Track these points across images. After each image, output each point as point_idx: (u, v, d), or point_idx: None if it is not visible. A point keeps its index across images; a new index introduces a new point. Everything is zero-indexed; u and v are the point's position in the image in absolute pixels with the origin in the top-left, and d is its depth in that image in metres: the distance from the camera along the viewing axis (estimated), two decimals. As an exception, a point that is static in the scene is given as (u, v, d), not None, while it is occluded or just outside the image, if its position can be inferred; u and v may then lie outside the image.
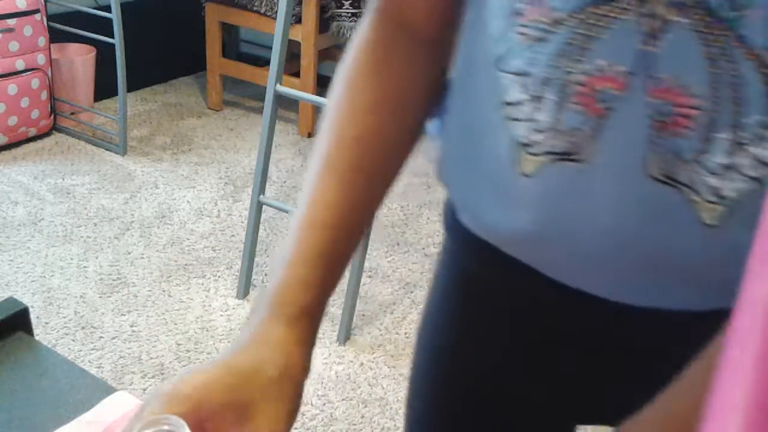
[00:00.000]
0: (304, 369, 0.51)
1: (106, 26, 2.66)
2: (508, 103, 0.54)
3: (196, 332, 1.95)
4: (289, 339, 0.50)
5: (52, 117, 2.88)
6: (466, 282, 0.71)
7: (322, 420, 1.71)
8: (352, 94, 0.62)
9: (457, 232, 0.68)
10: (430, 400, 0.76)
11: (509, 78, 0.54)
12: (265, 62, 2.98)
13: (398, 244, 2.42)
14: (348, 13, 2.95)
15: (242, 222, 2.45)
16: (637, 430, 0.52)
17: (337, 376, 1.84)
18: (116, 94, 2.81)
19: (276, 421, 0.48)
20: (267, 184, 2.14)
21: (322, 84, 3.43)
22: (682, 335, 0.57)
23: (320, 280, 0.54)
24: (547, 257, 0.59)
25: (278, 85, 1.86)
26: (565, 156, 0.52)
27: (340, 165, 0.59)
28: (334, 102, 0.62)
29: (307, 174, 0.59)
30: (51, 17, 2.85)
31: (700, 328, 0.50)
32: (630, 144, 0.50)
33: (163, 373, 1.80)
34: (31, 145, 2.83)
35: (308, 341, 0.52)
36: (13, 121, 2.72)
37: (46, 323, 1.93)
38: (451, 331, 0.73)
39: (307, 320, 0.52)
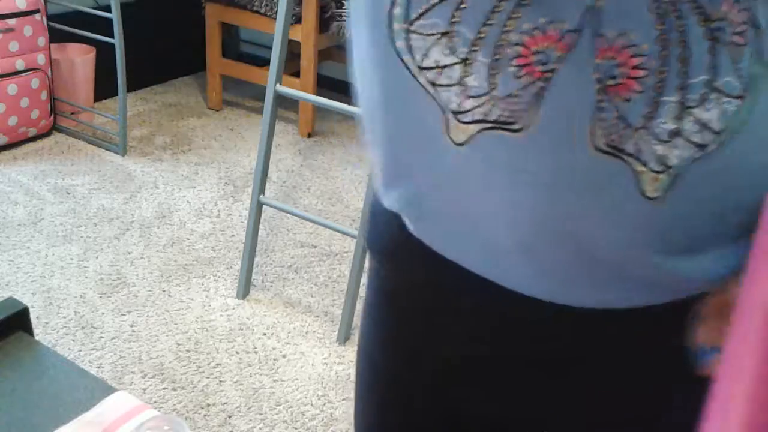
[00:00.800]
0: None
1: (106, 26, 2.66)
2: (427, 68, 0.49)
3: (196, 332, 1.95)
4: None
5: (52, 117, 2.88)
6: (394, 302, 0.66)
7: (323, 420, 1.71)
8: None
9: (381, 245, 0.65)
10: (378, 422, 0.73)
11: (427, 40, 0.48)
12: (265, 62, 2.98)
13: (398, 244, 2.42)
14: (348, 12, 2.94)
15: (242, 222, 2.45)
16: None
17: (338, 376, 1.84)
18: (116, 94, 2.81)
19: None
20: (267, 184, 2.15)
21: (323, 84, 3.43)
22: (632, 336, 0.55)
23: None
24: (478, 248, 0.55)
25: (278, 85, 1.86)
26: (499, 124, 0.48)
27: None
28: None
29: None
30: (51, 17, 2.85)
31: (646, 326, 0.48)
32: (574, 111, 0.46)
33: (163, 373, 1.80)
34: (31, 145, 2.83)
35: None
36: (13, 121, 2.72)
37: (46, 323, 1.93)
38: (388, 361, 0.69)
39: None
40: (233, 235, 2.38)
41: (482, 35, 0.46)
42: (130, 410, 0.66)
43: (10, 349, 0.72)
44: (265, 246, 2.33)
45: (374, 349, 0.71)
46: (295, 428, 1.69)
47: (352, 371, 1.86)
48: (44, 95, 2.81)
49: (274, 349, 1.91)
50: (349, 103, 1.92)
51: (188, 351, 1.88)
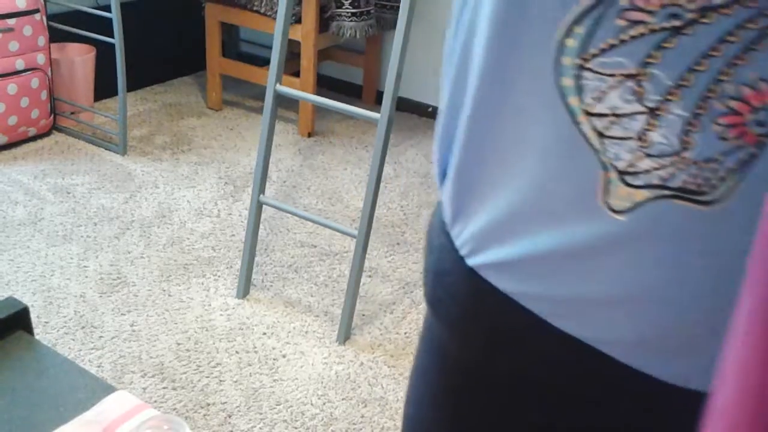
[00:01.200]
0: None
1: (106, 26, 2.66)
2: (597, 114, 0.40)
3: (196, 332, 1.95)
4: None
5: (52, 117, 2.88)
6: (462, 372, 0.56)
7: (322, 419, 1.71)
8: None
9: (454, 310, 0.55)
10: None
11: (606, 80, 0.39)
12: (264, 62, 2.98)
13: (398, 243, 2.42)
14: (348, 12, 2.95)
15: (242, 222, 2.45)
16: None
17: (337, 376, 1.84)
18: (116, 94, 2.81)
19: None
20: (267, 183, 2.15)
21: (322, 84, 3.43)
22: None
23: None
24: (617, 328, 0.46)
25: (278, 85, 1.86)
26: (683, 194, 0.40)
27: None
28: None
29: None
30: (51, 17, 2.85)
31: None
32: None
33: (162, 373, 1.80)
34: (31, 145, 2.83)
35: None
36: (13, 120, 2.72)
37: (46, 323, 1.93)
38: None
39: None
40: (233, 235, 2.38)
41: (685, 82, 0.37)
42: (130, 409, 0.66)
43: (10, 348, 0.72)
44: (265, 245, 2.33)
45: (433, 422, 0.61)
46: (295, 428, 1.69)
47: (352, 371, 1.86)
48: (44, 95, 2.81)
49: (273, 348, 1.92)
50: (348, 102, 1.92)
51: (188, 350, 1.88)
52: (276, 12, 1.86)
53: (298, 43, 2.93)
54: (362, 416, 1.73)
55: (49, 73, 2.82)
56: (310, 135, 3.13)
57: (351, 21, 2.96)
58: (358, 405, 1.76)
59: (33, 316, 1.94)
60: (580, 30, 0.39)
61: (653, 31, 0.37)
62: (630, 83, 0.39)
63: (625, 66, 0.39)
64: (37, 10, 2.73)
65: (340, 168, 2.88)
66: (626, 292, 0.44)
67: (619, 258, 0.43)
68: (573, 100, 0.41)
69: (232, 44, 3.67)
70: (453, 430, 0.59)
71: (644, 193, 0.40)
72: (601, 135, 0.41)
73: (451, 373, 0.57)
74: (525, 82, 0.43)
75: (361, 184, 2.75)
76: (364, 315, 2.07)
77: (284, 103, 3.25)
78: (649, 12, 0.37)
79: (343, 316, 1.95)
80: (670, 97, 0.38)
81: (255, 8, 2.97)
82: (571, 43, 0.40)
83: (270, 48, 1.88)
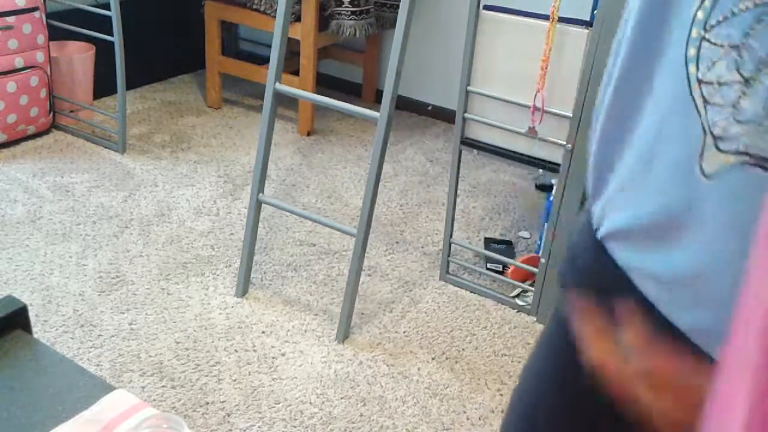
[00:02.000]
0: None
1: (105, 24, 2.65)
2: (707, 82, 0.44)
3: (194, 330, 1.95)
4: None
5: (51, 115, 2.87)
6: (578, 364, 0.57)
7: (321, 418, 1.71)
8: None
9: (583, 280, 0.57)
10: None
11: (717, 50, 0.43)
12: (264, 60, 2.98)
13: (397, 242, 2.42)
14: (347, 11, 2.94)
15: (241, 220, 2.45)
16: None
17: (336, 375, 1.84)
18: (115, 92, 2.81)
19: None
20: (266, 182, 2.14)
21: (322, 82, 3.43)
22: None
23: None
24: (708, 307, 0.46)
25: (277, 84, 1.86)
26: (761, 162, 0.42)
27: None
28: None
29: None
30: (50, 15, 2.85)
31: None
32: None
33: (161, 372, 1.80)
34: (30, 143, 2.83)
35: None
36: (12, 118, 2.72)
37: (45, 321, 1.93)
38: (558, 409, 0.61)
39: None
40: (232, 234, 2.38)
41: None
42: (128, 408, 0.66)
43: (8, 347, 0.72)
44: (264, 244, 2.33)
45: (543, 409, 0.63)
46: (294, 426, 1.68)
47: (351, 370, 1.86)
48: (43, 93, 2.80)
49: (272, 347, 1.91)
50: (348, 101, 1.92)
51: (187, 349, 1.88)
52: (275, 10, 1.86)
53: (298, 41, 2.92)
54: (361, 415, 1.73)
55: (49, 71, 2.82)
56: (309, 134, 3.13)
57: (350, 19, 2.95)
58: (357, 404, 1.76)
59: (32, 314, 1.94)
60: (708, 3, 0.43)
61: (757, 5, 0.41)
62: (734, 53, 0.42)
63: (732, 37, 0.42)
64: (36, 8, 2.72)
65: (339, 167, 2.88)
66: (710, 269, 0.46)
67: (707, 227, 0.45)
68: (692, 68, 0.45)
69: (232, 42, 3.67)
70: (573, 414, 0.60)
71: (730, 159, 0.43)
72: (705, 101, 0.44)
73: (573, 359, 0.58)
74: (665, 52, 0.47)
75: (361, 183, 2.75)
76: (363, 314, 2.07)
77: (284, 101, 3.25)
78: None
79: (342, 315, 1.95)
80: (762, 68, 0.41)
81: (254, 6, 2.97)
82: (701, 15, 0.44)
83: (269, 46, 1.88)
